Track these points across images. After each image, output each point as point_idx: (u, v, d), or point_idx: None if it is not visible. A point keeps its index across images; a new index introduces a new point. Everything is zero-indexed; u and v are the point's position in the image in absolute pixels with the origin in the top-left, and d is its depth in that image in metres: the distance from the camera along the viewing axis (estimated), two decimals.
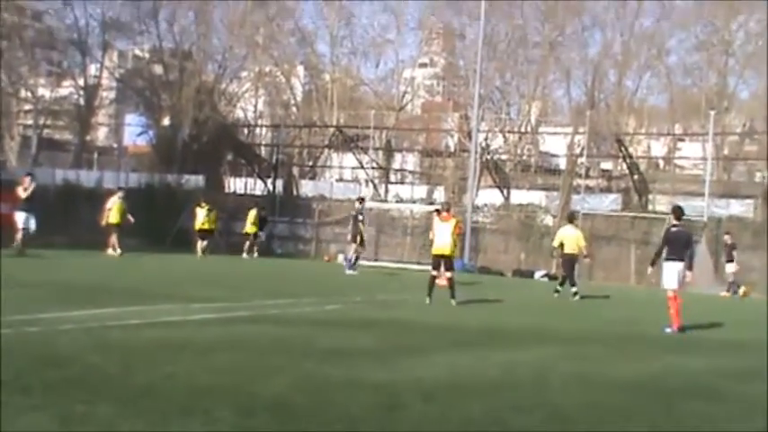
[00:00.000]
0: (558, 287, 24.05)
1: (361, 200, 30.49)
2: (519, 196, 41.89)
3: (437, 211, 20.08)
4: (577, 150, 41.73)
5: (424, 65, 61.27)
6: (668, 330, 15.39)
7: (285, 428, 6.43)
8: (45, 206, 38.42)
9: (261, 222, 35.87)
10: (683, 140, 48.43)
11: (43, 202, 38.80)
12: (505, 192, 43.37)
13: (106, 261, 25.32)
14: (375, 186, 45.00)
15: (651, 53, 47.10)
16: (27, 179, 26.09)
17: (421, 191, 45.28)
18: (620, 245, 35.80)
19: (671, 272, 15.81)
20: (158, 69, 53.21)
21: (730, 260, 31.74)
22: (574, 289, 23.16)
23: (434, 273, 18.64)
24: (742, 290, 30.97)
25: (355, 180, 48.72)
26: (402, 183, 48.63)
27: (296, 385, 8.10)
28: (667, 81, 47.99)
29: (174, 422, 6.36)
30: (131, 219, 28.99)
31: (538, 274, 34.71)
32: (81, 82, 54.65)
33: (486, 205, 40.29)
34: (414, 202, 40.79)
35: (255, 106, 55.76)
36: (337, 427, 6.61)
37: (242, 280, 22.84)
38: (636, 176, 41.19)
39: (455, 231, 18.76)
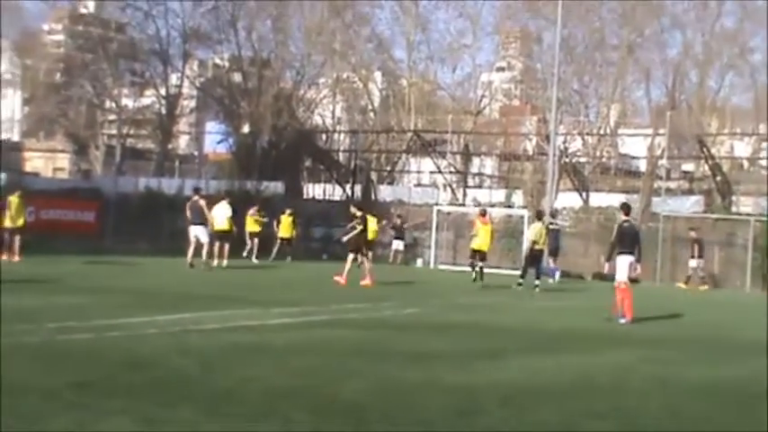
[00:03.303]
0: (521, 279, 23.65)
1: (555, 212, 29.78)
2: (598, 199, 41.38)
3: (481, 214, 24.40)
4: (658, 152, 41.08)
5: (501, 69, 60.96)
6: (622, 321, 15.80)
7: (362, 431, 6.48)
8: (129, 214, 39.44)
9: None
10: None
11: (127, 209, 39.85)
12: (585, 195, 42.93)
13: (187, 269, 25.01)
14: (453, 191, 44.91)
15: (734, 52, 46.18)
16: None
17: (499, 194, 45.03)
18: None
19: (622, 265, 16.27)
20: (238, 77, 53.86)
21: (692, 256, 31.68)
22: (537, 282, 23.37)
23: (470, 260, 22.94)
24: (704, 288, 30.89)
25: (433, 185, 48.67)
26: (480, 187, 48.45)
27: (373, 388, 8.19)
28: (751, 80, 47.03)
29: (253, 425, 6.48)
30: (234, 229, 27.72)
31: None
32: (163, 91, 55.68)
33: (565, 208, 39.92)
34: (492, 206, 40.56)
35: (333, 112, 56.02)
36: (414, 429, 6.66)
37: (320, 284, 23.01)
38: (718, 177, 40.39)
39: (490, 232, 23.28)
